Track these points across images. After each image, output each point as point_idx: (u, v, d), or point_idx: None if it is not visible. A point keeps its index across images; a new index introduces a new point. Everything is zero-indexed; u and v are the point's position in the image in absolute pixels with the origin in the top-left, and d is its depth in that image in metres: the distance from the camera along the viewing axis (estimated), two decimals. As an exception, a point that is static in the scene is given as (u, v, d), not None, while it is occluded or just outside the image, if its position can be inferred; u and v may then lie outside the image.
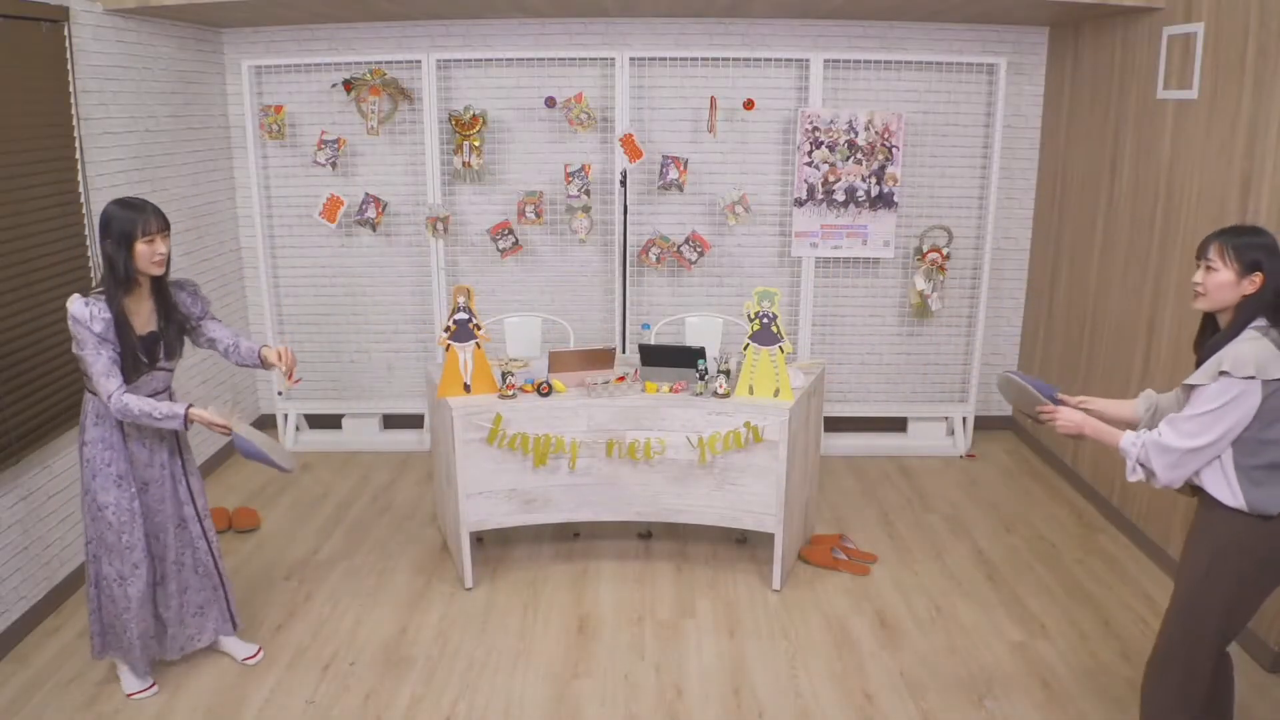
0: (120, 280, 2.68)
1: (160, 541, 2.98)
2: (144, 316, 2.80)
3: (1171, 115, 3.85)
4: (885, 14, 4.69)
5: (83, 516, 2.91)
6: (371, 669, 3.21)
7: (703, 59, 4.90)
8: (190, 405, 2.75)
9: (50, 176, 3.59)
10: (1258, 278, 2.19)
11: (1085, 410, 2.54)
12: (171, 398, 2.96)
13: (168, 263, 2.77)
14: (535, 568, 3.92)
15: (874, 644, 3.37)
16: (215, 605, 3.15)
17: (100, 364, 2.66)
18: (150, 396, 2.82)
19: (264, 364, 2.99)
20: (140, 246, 2.67)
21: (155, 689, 3.05)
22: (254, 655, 3.24)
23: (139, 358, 2.75)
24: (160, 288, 2.83)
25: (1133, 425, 2.50)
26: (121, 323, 2.69)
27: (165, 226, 2.73)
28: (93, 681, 3.13)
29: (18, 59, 3.40)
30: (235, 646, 3.25)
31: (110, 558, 2.88)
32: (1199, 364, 2.28)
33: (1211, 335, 2.32)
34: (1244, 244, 2.21)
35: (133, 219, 2.65)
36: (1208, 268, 2.25)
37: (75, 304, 2.65)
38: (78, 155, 3.75)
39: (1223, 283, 2.22)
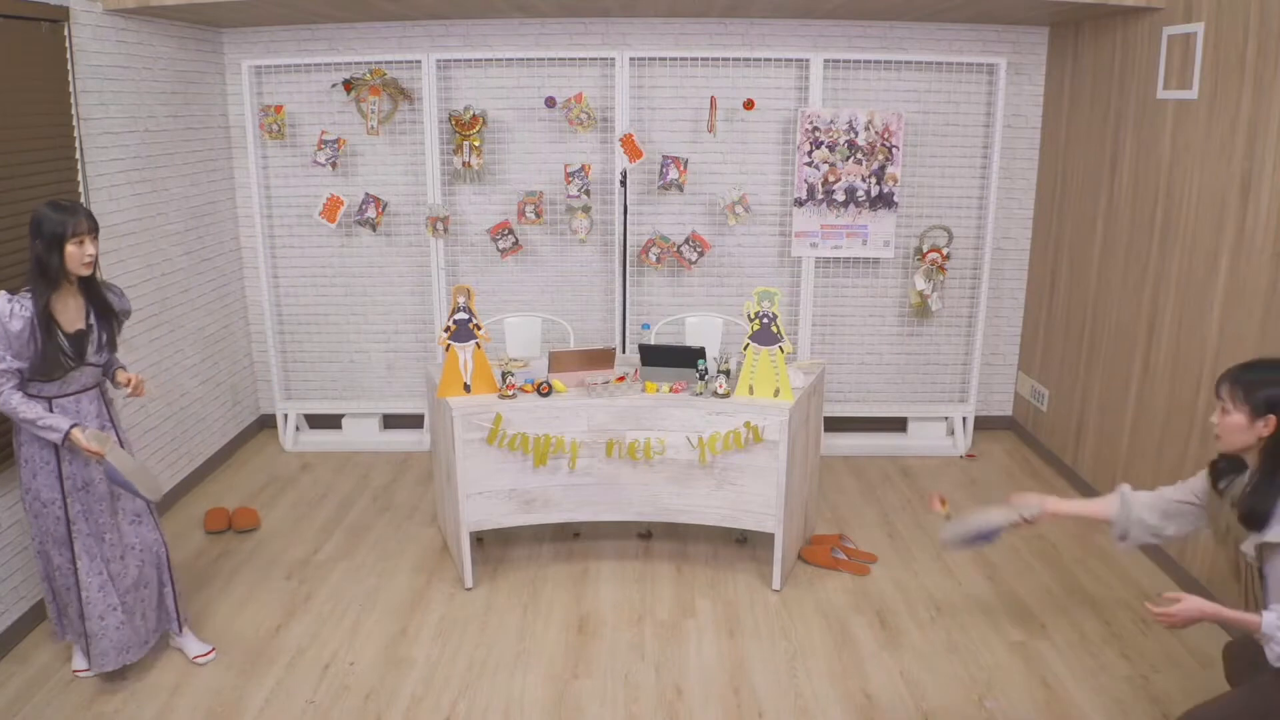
0: (49, 280, 2.73)
1: (107, 541, 2.99)
2: (71, 314, 2.83)
3: (1171, 115, 3.85)
4: (885, 14, 4.69)
5: (25, 513, 2.95)
6: (371, 669, 3.21)
7: (703, 59, 4.90)
8: (75, 425, 2.77)
9: (50, 176, 3.59)
10: (1271, 420, 2.04)
11: (1055, 514, 2.48)
12: (104, 396, 3.01)
13: (96, 264, 2.84)
14: (535, 568, 3.92)
15: (874, 644, 3.37)
16: (162, 603, 3.18)
17: (7, 377, 2.70)
18: (80, 393, 2.90)
19: (114, 383, 3.04)
20: (70, 248, 2.72)
21: (91, 672, 3.10)
22: (205, 654, 3.25)
23: (63, 354, 2.78)
24: (89, 287, 2.88)
25: (1103, 518, 2.46)
26: (46, 320, 2.73)
27: (94, 229, 2.80)
28: (93, 681, 3.13)
29: (18, 59, 3.40)
30: (188, 644, 3.27)
31: (60, 548, 2.93)
32: (1219, 490, 2.23)
33: (1232, 466, 2.21)
34: (1255, 382, 2.07)
35: (63, 220, 2.71)
36: (1222, 409, 2.12)
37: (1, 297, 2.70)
38: (78, 155, 3.74)
39: (1236, 425, 2.09)
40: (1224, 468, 2.24)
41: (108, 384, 3.06)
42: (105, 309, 2.93)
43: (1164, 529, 2.41)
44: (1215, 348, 3.53)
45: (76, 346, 2.82)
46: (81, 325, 2.85)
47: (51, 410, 2.82)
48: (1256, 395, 2.06)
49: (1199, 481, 2.35)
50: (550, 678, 3.18)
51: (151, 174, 4.30)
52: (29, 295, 2.74)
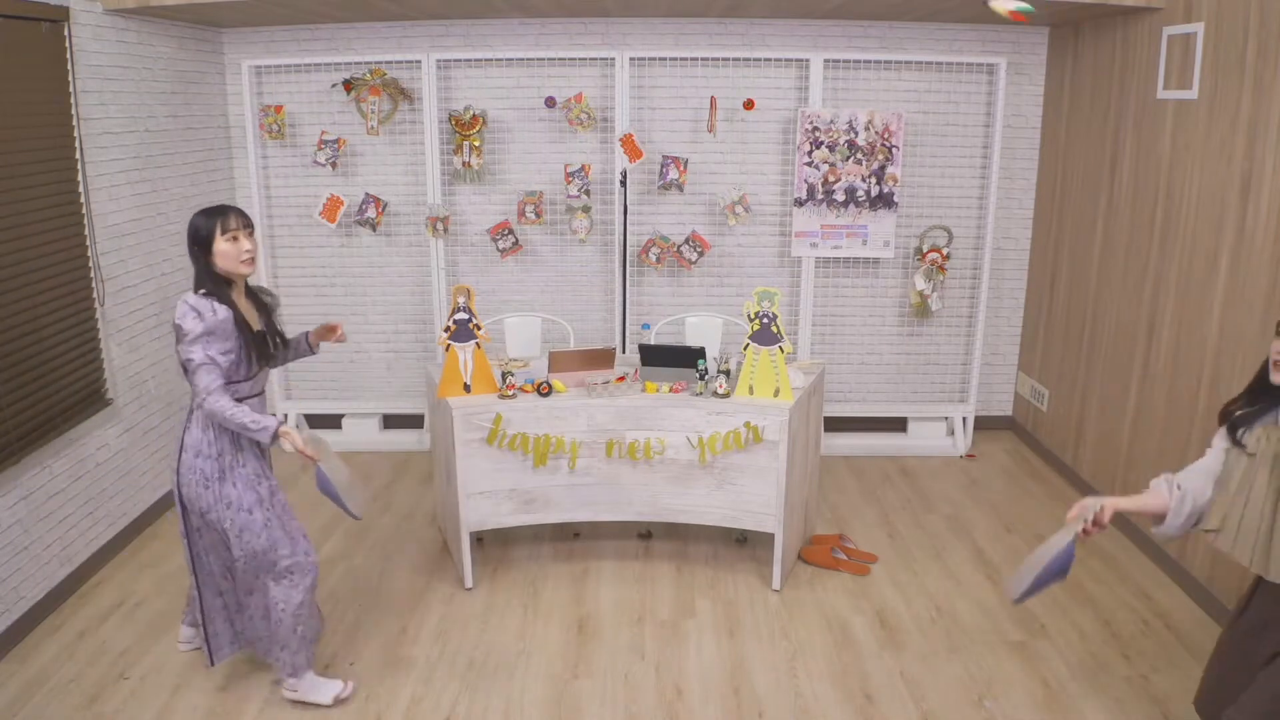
0: (217, 283, 2.68)
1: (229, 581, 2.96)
2: (249, 314, 2.80)
3: (1171, 115, 3.85)
4: (885, 14, 4.69)
5: (209, 541, 2.85)
6: (371, 669, 3.21)
7: (703, 59, 4.90)
8: (282, 422, 2.72)
9: (50, 176, 3.59)
10: None
11: (1117, 509, 2.31)
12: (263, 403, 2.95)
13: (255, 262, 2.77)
14: (535, 568, 3.92)
15: (874, 644, 3.37)
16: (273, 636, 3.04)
17: (200, 357, 2.61)
18: (260, 395, 2.87)
19: (315, 343, 3.07)
20: (223, 245, 2.66)
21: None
22: (339, 693, 3.08)
23: (260, 351, 2.75)
24: (249, 289, 2.85)
25: (1164, 511, 2.32)
26: (239, 318, 2.69)
27: (247, 224, 2.73)
28: (92, 681, 3.13)
29: (18, 59, 3.40)
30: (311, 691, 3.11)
31: (291, 549, 2.86)
32: (1238, 439, 2.17)
33: (1248, 411, 2.18)
34: None
35: (209, 221, 2.67)
36: None
37: (190, 297, 2.64)
38: (78, 155, 3.75)
39: None
40: (1239, 417, 2.21)
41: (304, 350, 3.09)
42: (271, 310, 2.92)
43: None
44: (1215, 348, 3.53)
45: (259, 348, 2.79)
46: (259, 325, 2.83)
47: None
48: None
49: (1219, 446, 2.29)
50: (550, 678, 3.18)
51: (151, 174, 4.30)
52: (210, 297, 2.66)
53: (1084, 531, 2.25)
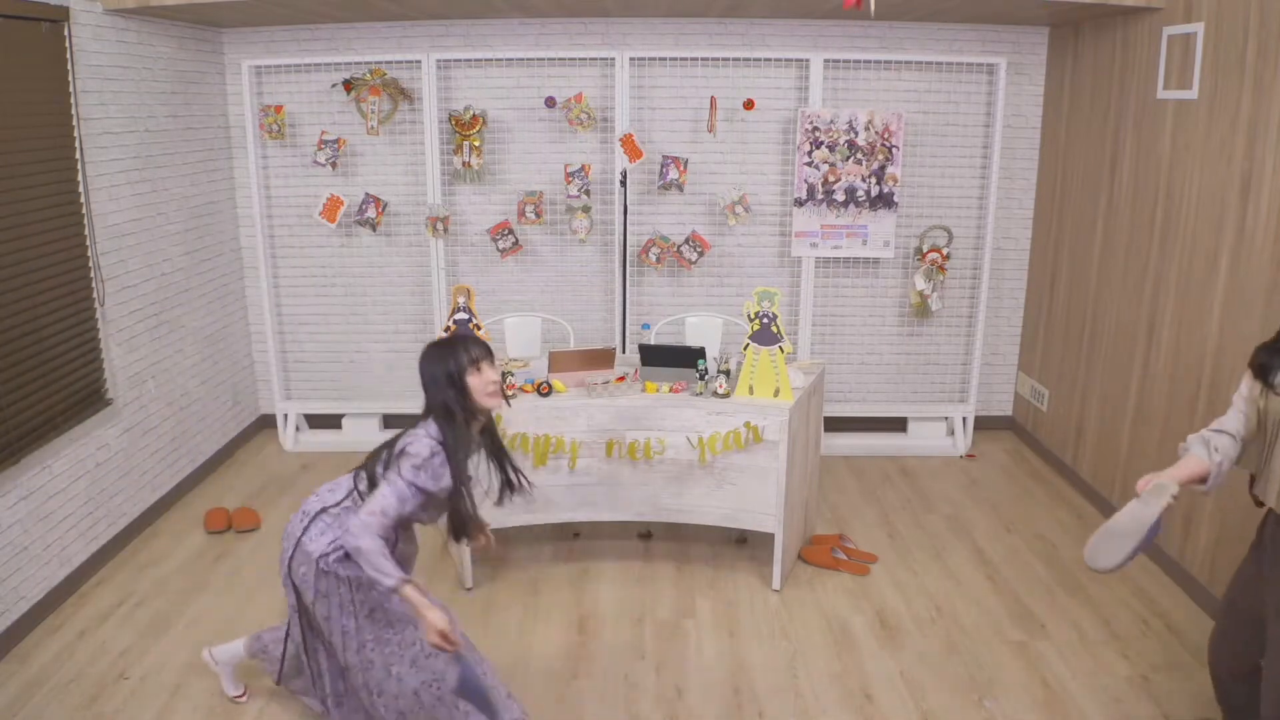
0: (458, 426, 2.40)
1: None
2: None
3: (1171, 115, 3.85)
4: (885, 14, 4.68)
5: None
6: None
7: (703, 59, 4.90)
8: (411, 582, 2.28)
9: (50, 176, 3.59)
10: None
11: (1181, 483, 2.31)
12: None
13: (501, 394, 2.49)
14: (535, 568, 3.92)
15: (874, 644, 3.37)
16: None
17: (396, 495, 2.33)
18: (407, 556, 2.59)
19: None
20: (471, 380, 2.41)
21: None
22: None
23: (468, 504, 2.45)
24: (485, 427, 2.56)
25: (1205, 474, 2.32)
26: (465, 475, 2.42)
27: (488, 354, 2.47)
28: (92, 681, 3.13)
29: (18, 59, 3.40)
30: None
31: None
32: (1272, 384, 2.23)
33: (1273, 357, 2.24)
34: None
35: (455, 352, 2.42)
36: None
37: (427, 444, 2.38)
38: (78, 155, 3.75)
39: None
40: (1268, 362, 2.26)
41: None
42: (498, 450, 2.61)
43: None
44: (1215, 348, 3.53)
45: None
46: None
47: (395, 558, 2.43)
48: None
49: (1246, 391, 2.34)
50: (550, 678, 3.18)
51: (151, 174, 4.30)
52: (436, 440, 2.38)
53: (1166, 506, 2.26)
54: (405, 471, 2.32)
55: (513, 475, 2.61)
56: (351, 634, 2.50)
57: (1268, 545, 2.37)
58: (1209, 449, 2.34)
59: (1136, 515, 2.26)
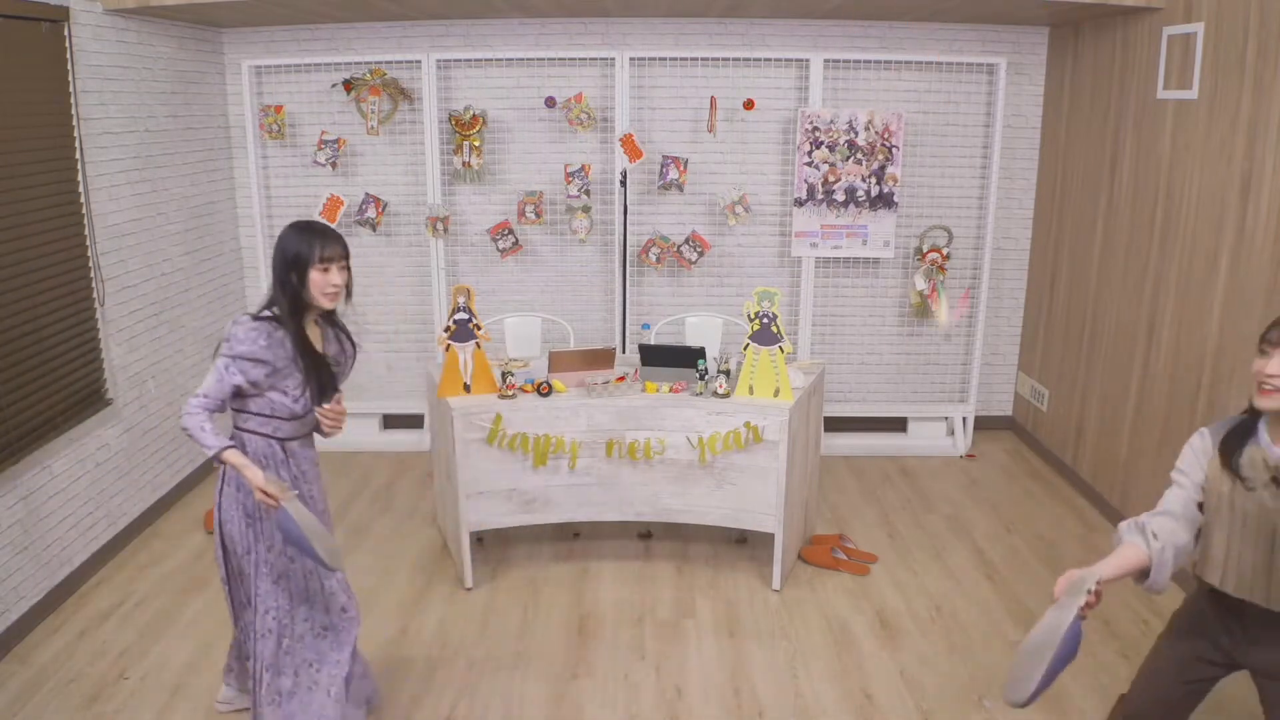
0: (294, 307, 2.46)
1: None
2: (318, 344, 2.57)
3: (1171, 115, 3.85)
4: (885, 14, 4.69)
5: (254, 587, 2.59)
6: (371, 669, 3.21)
7: (703, 59, 4.90)
8: (231, 448, 2.40)
9: (50, 176, 3.59)
10: None
11: (1107, 580, 2.01)
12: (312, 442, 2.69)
13: (344, 296, 2.53)
14: (535, 568, 3.92)
15: (874, 644, 3.37)
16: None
17: (213, 376, 2.39)
18: (309, 435, 2.63)
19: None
20: (314, 274, 2.44)
21: None
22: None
23: (321, 386, 2.50)
24: (331, 320, 2.63)
25: (1146, 566, 2.07)
26: (307, 346, 2.48)
27: (345, 255, 2.50)
28: (92, 681, 3.13)
29: (18, 59, 3.40)
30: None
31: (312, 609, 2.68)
32: (1232, 465, 1.99)
33: (1241, 433, 2.00)
34: None
35: (309, 242, 2.43)
36: None
37: (241, 323, 2.42)
38: (78, 155, 3.75)
39: None
40: (1234, 440, 2.02)
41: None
42: (340, 344, 2.66)
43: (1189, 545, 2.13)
44: (1215, 348, 3.53)
45: (325, 379, 2.55)
46: (327, 355, 2.59)
47: (285, 455, 2.56)
48: None
49: (1195, 469, 2.10)
50: (550, 678, 3.18)
51: (151, 174, 4.30)
52: (269, 321, 2.44)
53: (1087, 606, 1.95)
54: (221, 350, 2.43)
55: (313, 383, 2.52)
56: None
57: (1212, 622, 2.16)
58: (1145, 535, 2.07)
59: (1049, 624, 1.89)
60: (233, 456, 2.39)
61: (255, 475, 2.38)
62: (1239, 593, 2.06)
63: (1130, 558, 2.05)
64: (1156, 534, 2.06)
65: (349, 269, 2.53)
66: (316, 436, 2.69)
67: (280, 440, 2.55)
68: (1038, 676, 1.83)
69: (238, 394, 2.46)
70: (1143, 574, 2.08)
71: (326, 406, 2.53)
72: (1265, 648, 2.09)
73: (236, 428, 2.54)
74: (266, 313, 2.47)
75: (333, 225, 2.55)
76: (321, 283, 2.46)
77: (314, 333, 2.57)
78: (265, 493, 2.36)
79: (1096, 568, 2.01)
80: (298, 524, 2.35)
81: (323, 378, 2.53)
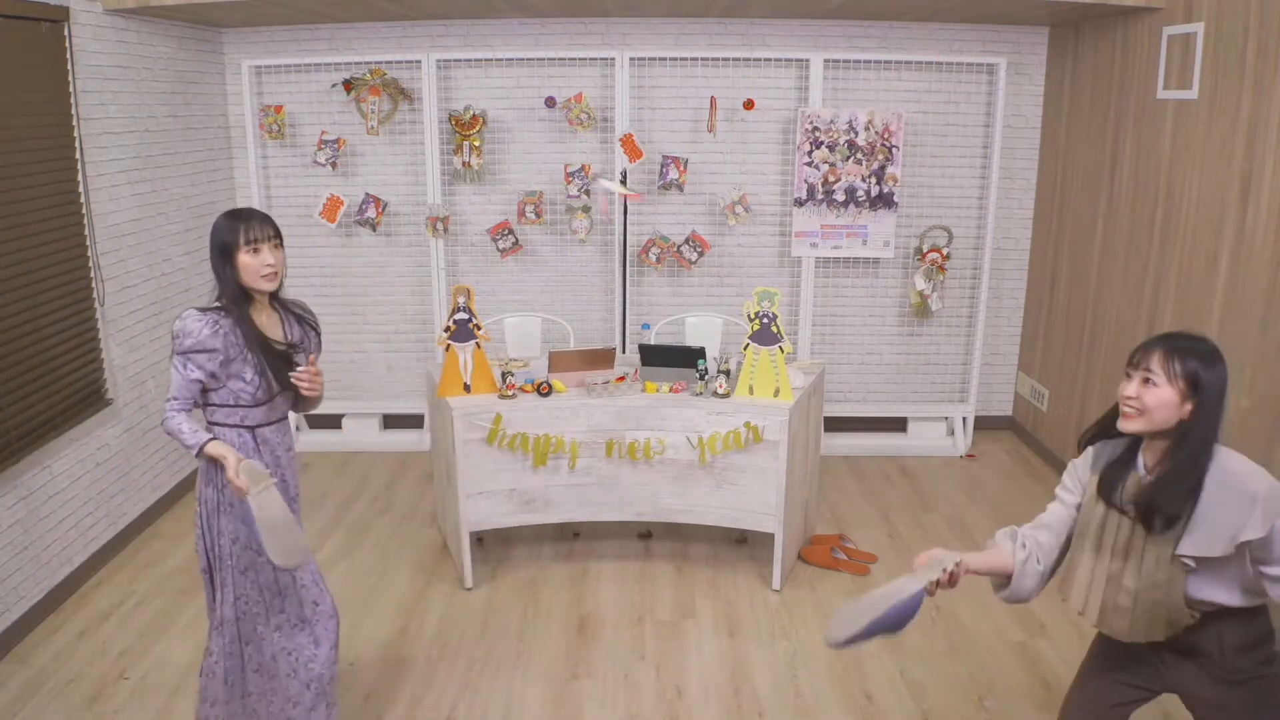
0: (233, 295, 2.45)
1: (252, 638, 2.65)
2: (271, 330, 2.55)
3: (1171, 115, 3.85)
4: (885, 14, 4.69)
5: (223, 578, 2.56)
6: (371, 669, 3.21)
7: (703, 59, 4.90)
8: (213, 439, 2.41)
9: (50, 176, 3.59)
10: (1189, 405, 1.84)
11: (971, 570, 2.00)
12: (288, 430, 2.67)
13: (280, 276, 2.52)
14: (535, 568, 3.92)
15: (874, 644, 3.37)
16: None
17: (175, 377, 2.41)
18: (280, 421, 2.60)
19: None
20: (243, 257, 2.42)
21: None
22: None
23: (277, 370, 2.48)
24: (282, 302, 2.62)
25: (1009, 572, 2.02)
26: (256, 335, 2.46)
27: (273, 235, 2.48)
28: (92, 681, 3.13)
29: (18, 59, 3.40)
30: None
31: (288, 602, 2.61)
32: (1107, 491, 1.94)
33: (1120, 459, 1.95)
34: (1189, 356, 1.84)
35: (234, 227, 2.43)
36: (1144, 380, 1.87)
37: (192, 312, 2.42)
38: (78, 155, 3.75)
39: (1166, 401, 1.84)
40: (1115, 471, 1.96)
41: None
42: (301, 323, 2.65)
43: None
44: (1215, 348, 3.53)
45: (286, 365, 2.52)
46: (282, 342, 2.56)
47: (256, 443, 2.53)
48: (1191, 371, 1.82)
49: (1076, 488, 2.06)
50: (550, 678, 3.18)
51: (151, 174, 4.30)
52: (215, 311, 2.43)
53: (936, 584, 1.94)
54: (174, 348, 2.43)
55: (267, 369, 2.49)
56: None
57: (1126, 647, 2.05)
58: (1015, 543, 2.04)
59: (894, 588, 1.92)
60: (214, 449, 2.40)
61: (231, 464, 2.37)
62: (1099, 626, 2.00)
63: (996, 559, 2.04)
64: (1025, 544, 2.04)
65: (281, 248, 2.52)
66: (323, 433, 2.65)
67: (251, 428, 2.53)
68: (859, 627, 1.87)
69: (202, 389, 2.47)
70: (1005, 580, 2.05)
71: (300, 370, 2.54)
72: (1175, 670, 2.03)
73: (208, 422, 2.54)
74: (216, 304, 2.47)
75: (259, 210, 2.53)
76: (254, 265, 2.44)
77: (269, 319, 2.56)
78: (236, 485, 2.35)
79: (964, 556, 2.00)
80: (256, 519, 2.35)
81: (275, 363, 2.50)
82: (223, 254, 2.45)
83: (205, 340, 2.40)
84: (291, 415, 2.69)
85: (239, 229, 2.43)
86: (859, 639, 1.88)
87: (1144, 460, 1.95)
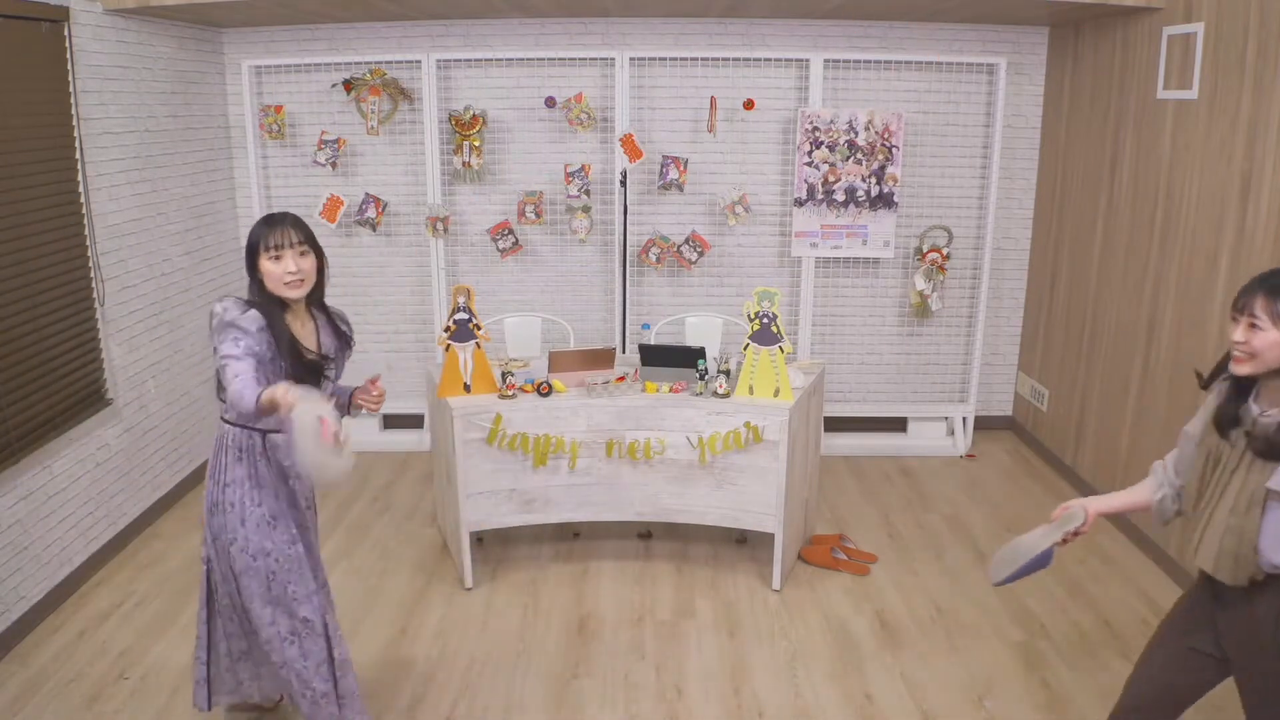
0: (267, 300, 2.39)
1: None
2: (305, 339, 2.49)
3: (1171, 115, 3.85)
4: (885, 14, 4.69)
5: (221, 574, 2.54)
6: (371, 669, 3.21)
7: (703, 59, 4.90)
8: (267, 389, 2.20)
9: (50, 176, 3.59)
10: None
11: (1101, 513, 2.23)
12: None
13: (320, 283, 2.47)
14: (535, 568, 3.92)
15: (874, 644, 3.37)
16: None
17: (228, 350, 2.29)
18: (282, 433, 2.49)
19: (354, 407, 2.64)
20: (265, 263, 2.38)
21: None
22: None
23: (303, 380, 2.36)
24: (322, 310, 2.57)
25: (1145, 508, 2.23)
26: (290, 340, 2.39)
27: (300, 240, 2.41)
28: (92, 681, 3.13)
29: (18, 59, 3.40)
30: None
31: (278, 612, 2.52)
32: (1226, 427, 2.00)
33: (1239, 395, 2.00)
34: None
35: (258, 232, 2.39)
36: (1250, 324, 1.90)
37: (226, 302, 2.37)
38: (78, 155, 3.75)
39: (1274, 341, 1.88)
40: (1228, 405, 2.02)
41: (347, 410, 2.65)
42: (338, 335, 2.60)
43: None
44: (1215, 348, 3.53)
45: (313, 375, 2.46)
46: (314, 351, 2.51)
47: (265, 447, 2.47)
48: None
49: (1200, 421, 2.13)
50: (550, 678, 3.18)
51: (151, 174, 4.30)
52: (257, 308, 2.37)
53: (1074, 534, 2.21)
54: (216, 326, 2.34)
55: (296, 375, 2.40)
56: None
57: (1207, 608, 2.14)
58: (1161, 477, 2.23)
59: (1032, 541, 2.25)
60: (270, 391, 2.18)
61: (280, 392, 2.16)
62: (1199, 561, 2.07)
63: (1134, 499, 2.25)
64: (1163, 485, 2.22)
65: (313, 254, 2.44)
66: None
67: (262, 432, 2.48)
68: (1007, 574, 2.26)
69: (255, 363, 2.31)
70: (1145, 509, 2.24)
71: (364, 397, 2.59)
72: (1231, 634, 2.08)
73: (220, 418, 2.50)
74: (253, 300, 2.43)
75: (288, 213, 2.48)
76: (276, 272, 2.38)
77: (304, 327, 2.50)
78: (286, 400, 2.16)
79: (1096, 504, 2.24)
80: (294, 431, 2.14)
81: (302, 372, 2.41)
82: (250, 258, 2.42)
83: (244, 322, 2.31)
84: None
85: (263, 234, 2.39)
86: (1013, 579, 2.27)
87: (1260, 397, 2.00)
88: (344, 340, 2.65)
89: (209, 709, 2.73)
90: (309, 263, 2.44)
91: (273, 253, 2.38)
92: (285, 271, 2.39)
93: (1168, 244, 3.88)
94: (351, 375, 5.48)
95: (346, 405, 2.65)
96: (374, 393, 2.60)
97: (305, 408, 2.15)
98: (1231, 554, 1.98)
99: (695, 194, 5.06)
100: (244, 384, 2.23)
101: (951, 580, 3.82)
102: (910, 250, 5.10)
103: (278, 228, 2.40)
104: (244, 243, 4.45)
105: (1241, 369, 1.94)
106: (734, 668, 3.23)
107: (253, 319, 2.34)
